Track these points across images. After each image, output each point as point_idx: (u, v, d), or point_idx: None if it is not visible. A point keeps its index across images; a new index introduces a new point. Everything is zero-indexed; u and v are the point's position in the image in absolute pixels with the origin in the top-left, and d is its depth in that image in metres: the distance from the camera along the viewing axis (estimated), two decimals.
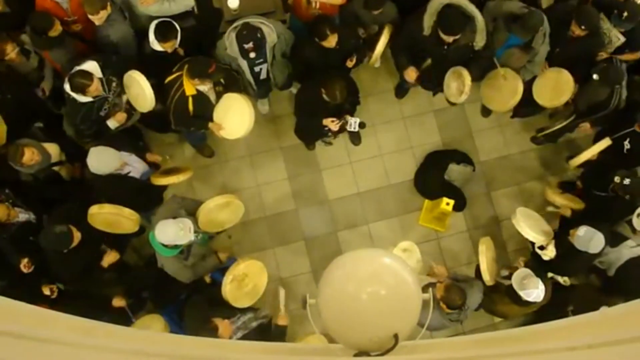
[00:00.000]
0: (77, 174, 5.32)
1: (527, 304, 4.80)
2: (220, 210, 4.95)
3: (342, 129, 5.25)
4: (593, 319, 1.68)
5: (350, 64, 5.20)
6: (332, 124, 5.14)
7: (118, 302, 5.00)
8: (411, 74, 5.20)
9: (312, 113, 5.24)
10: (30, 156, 4.57)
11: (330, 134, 5.46)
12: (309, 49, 5.03)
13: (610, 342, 1.35)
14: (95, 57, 4.75)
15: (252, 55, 4.87)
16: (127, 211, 4.79)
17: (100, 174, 4.69)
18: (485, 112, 6.34)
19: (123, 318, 4.95)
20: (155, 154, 5.35)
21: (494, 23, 5.14)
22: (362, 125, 5.22)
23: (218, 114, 5.06)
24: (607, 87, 5.17)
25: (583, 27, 4.91)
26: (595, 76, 5.09)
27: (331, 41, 4.87)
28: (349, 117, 5.19)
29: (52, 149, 4.91)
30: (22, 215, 4.78)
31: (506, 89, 5.36)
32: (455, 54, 5.02)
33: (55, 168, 5.05)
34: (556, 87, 5.30)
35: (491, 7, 5.12)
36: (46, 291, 4.75)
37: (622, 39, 5.20)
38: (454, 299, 4.33)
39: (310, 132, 5.76)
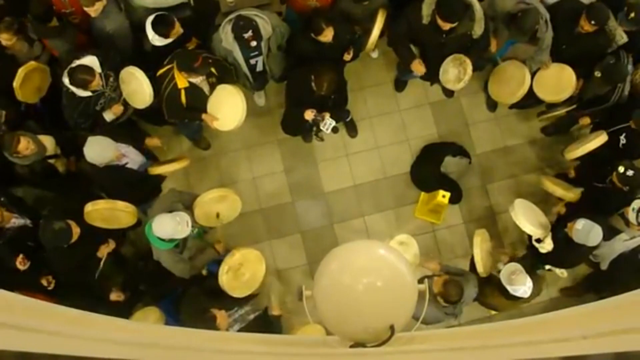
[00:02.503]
0: (72, 168, 5.30)
1: (516, 298, 4.82)
2: (216, 204, 4.94)
3: (317, 124, 5.23)
4: (587, 311, 1.69)
5: (347, 57, 5.17)
6: (309, 114, 5.11)
7: (115, 296, 5.01)
8: (419, 67, 5.17)
9: (298, 101, 5.21)
10: (25, 144, 4.55)
11: (313, 128, 5.43)
12: (305, 43, 5.00)
13: (603, 333, 1.36)
14: (94, 51, 4.75)
15: (254, 44, 4.84)
16: (120, 204, 4.78)
17: (98, 165, 4.68)
18: (491, 106, 6.34)
19: (120, 310, 4.96)
20: (154, 138, 5.34)
21: (493, 23, 5.14)
22: (335, 130, 5.22)
23: (212, 105, 5.06)
24: (609, 84, 5.18)
25: (593, 23, 4.90)
26: (597, 73, 5.11)
27: (327, 35, 4.84)
28: (327, 117, 5.17)
29: (47, 141, 4.90)
30: (18, 221, 4.78)
31: (513, 80, 5.37)
32: (453, 43, 5.00)
33: (51, 161, 5.03)
34: (558, 84, 5.29)
35: (486, 7, 5.07)
36: (44, 282, 4.74)
37: (626, 39, 5.20)
38: (452, 294, 4.36)
39: (293, 123, 5.67)
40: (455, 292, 4.36)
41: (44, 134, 4.91)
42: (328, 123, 5.16)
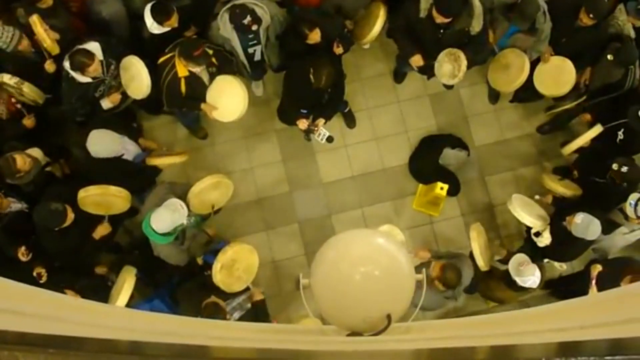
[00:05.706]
0: (66, 170, 5.32)
1: (523, 289, 4.82)
2: (210, 191, 4.94)
3: (311, 132, 5.24)
4: (586, 303, 1.69)
5: (338, 50, 5.11)
6: (302, 123, 5.15)
7: (100, 269, 5.11)
8: (417, 61, 5.16)
9: (295, 95, 5.21)
10: (22, 160, 4.50)
11: (309, 137, 5.43)
12: (296, 44, 5.00)
13: (601, 323, 1.37)
14: (97, 38, 4.74)
15: (255, 27, 4.80)
16: (113, 189, 4.76)
17: (93, 157, 4.66)
18: (493, 98, 6.32)
19: (101, 282, 5.08)
20: (149, 140, 5.33)
21: (491, 14, 5.12)
22: (330, 139, 5.22)
23: (211, 95, 5.03)
24: (622, 67, 5.15)
25: (591, 16, 4.89)
26: (609, 56, 5.09)
27: (314, 37, 4.84)
28: (321, 125, 5.17)
29: (36, 153, 4.85)
30: (15, 205, 4.76)
31: (513, 67, 5.36)
32: (450, 38, 4.99)
33: (48, 168, 5.02)
34: (558, 78, 5.28)
35: None
36: (35, 274, 4.69)
37: (633, 35, 5.17)
38: (451, 278, 4.33)
39: (288, 115, 5.67)
40: (454, 275, 4.34)
41: (29, 148, 4.83)
42: (322, 134, 5.16)
